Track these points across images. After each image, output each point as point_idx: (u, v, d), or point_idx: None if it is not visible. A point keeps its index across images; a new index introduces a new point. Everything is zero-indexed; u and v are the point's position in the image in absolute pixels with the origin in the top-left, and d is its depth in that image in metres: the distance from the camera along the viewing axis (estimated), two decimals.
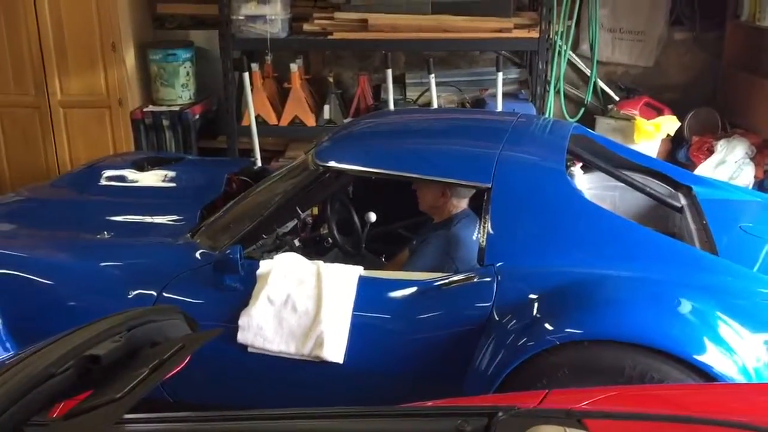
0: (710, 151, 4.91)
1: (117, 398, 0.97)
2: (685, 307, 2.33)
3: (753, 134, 4.93)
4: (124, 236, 3.07)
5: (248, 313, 2.60)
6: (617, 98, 5.47)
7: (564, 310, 2.31)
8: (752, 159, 4.81)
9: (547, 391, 1.59)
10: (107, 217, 3.24)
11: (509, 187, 2.64)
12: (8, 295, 2.82)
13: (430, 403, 1.69)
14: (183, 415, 1.36)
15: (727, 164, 4.77)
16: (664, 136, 5.05)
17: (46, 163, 5.29)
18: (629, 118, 5.05)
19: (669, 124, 5.03)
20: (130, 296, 2.72)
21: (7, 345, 2.85)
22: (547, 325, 2.27)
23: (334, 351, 2.54)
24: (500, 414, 1.41)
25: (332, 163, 2.85)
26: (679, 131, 5.19)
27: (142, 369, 1.02)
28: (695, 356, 2.16)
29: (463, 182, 2.76)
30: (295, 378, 2.64)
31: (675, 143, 5.26)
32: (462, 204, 2.99)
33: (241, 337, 2.59)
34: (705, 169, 4.77)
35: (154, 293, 2.72)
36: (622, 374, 2.16)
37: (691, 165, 4.89)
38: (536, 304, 2.38)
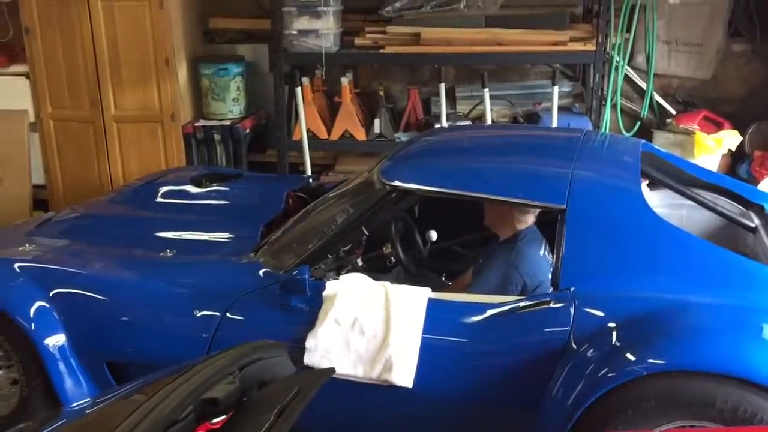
0: None
1: None
2: None
3: None
4: (188, 254, 3.05)
5: (315, 335, 2.56)
6: (674, 111, 5.34)
7: (649, 339, 2.22)
8: None
9: None
10: (169, 235, 3.24)
11: (585, 208, 2.56)
12: (74, 313, 2.84)
13: None
14: None
15: None
16: (725, 151, 4.91)
17: (99, 177, 5.31)
18: (689, 133, 4.91)
19: (730, 138, 4.88)
20: (196, 315, 2.71)
21: (71, 361, 2.86)
22: (631, 355, 2.19)
23: (404, 375, 2.49)
24: None
25: (399, 183, 2.79)
26: (740, 146, 5.04)
27: (265, 415, 0.97)
28: None
29: (537, 203, 2.69)
30: (363, 402, 2.59)
31: (735, 158, 5.11)
32: (528, 219, 2.92)
33: (308, 359, 2.55)
34: None
35: (219, 313, 2.70)
36: (713, 407, 2.07)
37: (753, 181, 4.73)
38: (617, 332, 2.29)
